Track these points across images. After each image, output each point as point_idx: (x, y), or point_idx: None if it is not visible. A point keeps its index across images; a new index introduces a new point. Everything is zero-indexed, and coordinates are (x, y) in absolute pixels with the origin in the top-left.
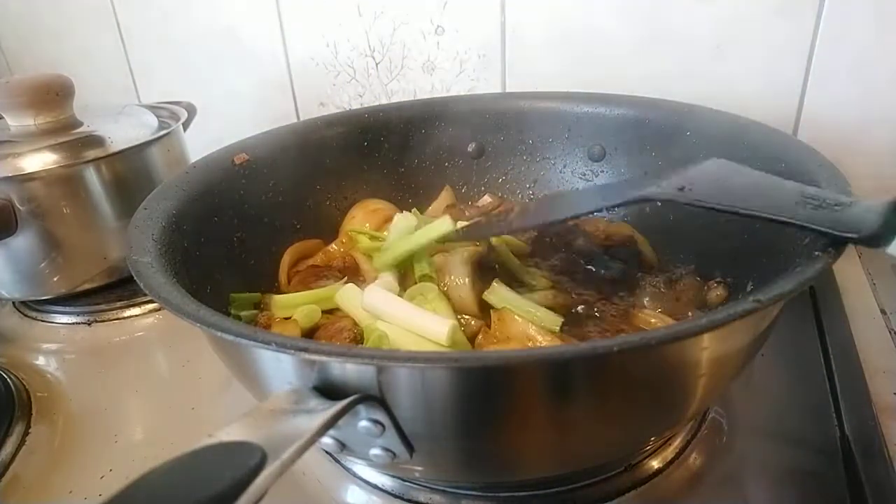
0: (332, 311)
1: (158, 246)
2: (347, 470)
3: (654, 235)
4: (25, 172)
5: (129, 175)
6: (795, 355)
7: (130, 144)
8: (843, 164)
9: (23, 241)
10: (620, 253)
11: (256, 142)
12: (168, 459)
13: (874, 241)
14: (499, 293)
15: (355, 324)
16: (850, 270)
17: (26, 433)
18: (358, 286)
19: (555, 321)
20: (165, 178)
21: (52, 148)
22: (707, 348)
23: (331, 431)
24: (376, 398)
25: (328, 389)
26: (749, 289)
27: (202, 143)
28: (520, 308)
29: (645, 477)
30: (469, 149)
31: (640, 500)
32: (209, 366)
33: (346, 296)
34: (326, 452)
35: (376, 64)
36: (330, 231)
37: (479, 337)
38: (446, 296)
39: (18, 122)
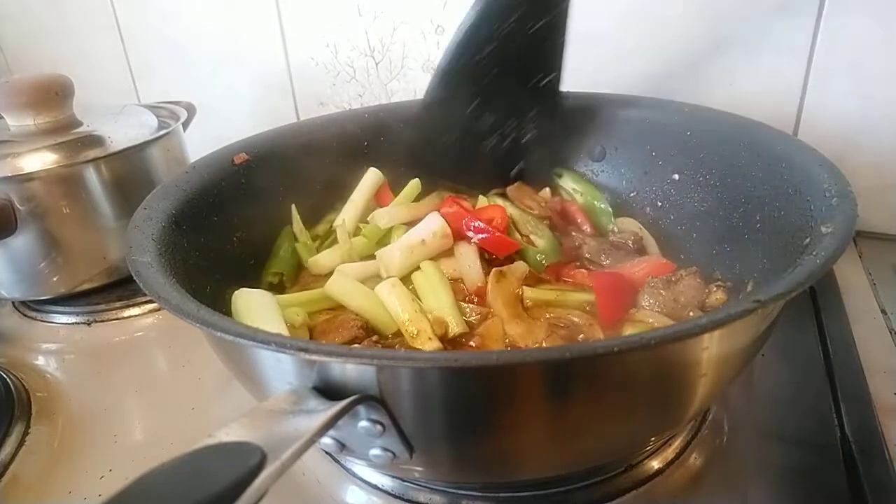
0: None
1: (158, 246)
2: (347, 470)
3: (655, 237)
4: (25, 172)
5: (129, 175)
6: (796, 355)
7: (130, 144)
8: (843, 162)
9: (22, 241)
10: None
11: (256, 142)
12: (168, 460)
13: None
14: None
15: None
16: (850, 271)
17: (26, 433)
18: None
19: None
20: (165, 177)
21: (52, 148)
22: (707, 348)
23: (331, 432)
24: (376, 398)
25: (328, 389)
26: (749, 289)
27: (202, 142)
28: None
29: (645, 477)
30: None
31: (641, 500)
32: (209, 366)
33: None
34: (326, 453)
35: (376, 64)
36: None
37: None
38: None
39: (18, 121)
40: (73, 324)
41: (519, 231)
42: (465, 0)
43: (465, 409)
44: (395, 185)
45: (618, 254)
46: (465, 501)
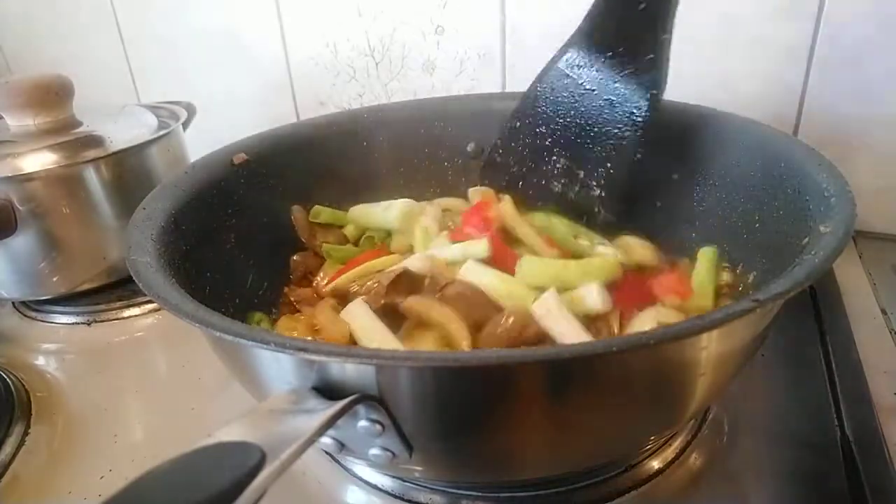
0: None
1: (157, 246)
2: (347, 470)
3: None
4: (25, 172)
5: (129, 175)
6: (796, 355)
7: (130, 144)
8: (843, 163)
9: (22, 241)
10: None
11: (256, 142)
12: (167, 459)
13: None
14: None
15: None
16: (850, 270)
17: (26, 433)
18: None
19: None
20: (165, 178)
21: (52, 148)
22: (706, 348)
23: (330, 431)
24: (375, 398)
25: (327, 389)
26: (749, 288)
27: (202, 143)
28: None
29: (645, 477)
30: (469, 148)
31: (641, 500)
32: (209, 366)
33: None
34: (326, 453)
35: (376, 64)
36: None
37: None
38: None
39: (18, 122)
40: (73, 324)
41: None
42: (465, 0)
43: (465, 408)
44: (395, 186)
45: None
46: (464, 501)
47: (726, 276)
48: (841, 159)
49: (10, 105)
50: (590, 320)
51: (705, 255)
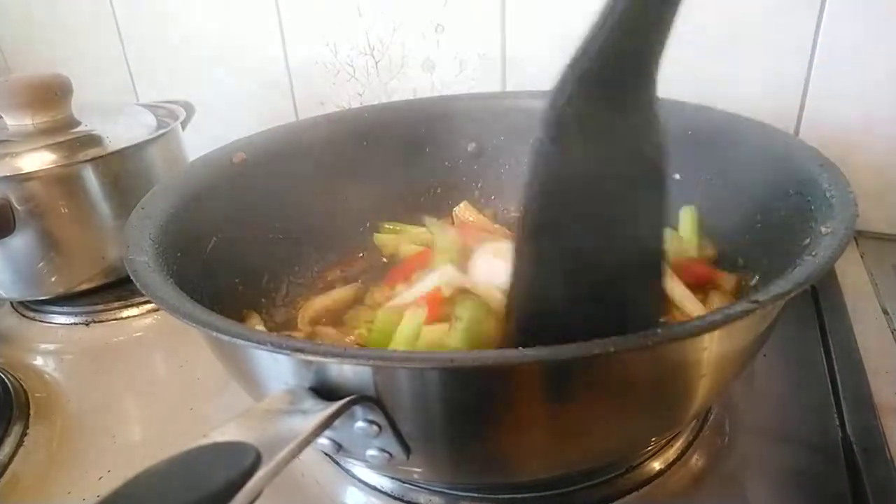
0: None
1: (155, 245)
2: (346, 471)
3: None
4: (23, 172)
5: (128, 174)
6: (797, 356)
7: (129, 144)
8: (845, 163)
9: (21, 241)
10: None
11: (255, 141)
12: (161, 459)
13: None
14: None
15: None
16: (852, 270)
17: (24, 434)
18: None
19: None
20: (163, 177)
21: (51, 147)
22: (707, 349)
23: (327, 432)
24: (372, 399)
25: (324, 390)
26: (753, 287)
27: (200, 142)
28: None
29: (647, 478)
30: (469, 148)
31: (642, 501)
32: (207, 366)
33: None
34: (325, 453)
35: (376, 63)
36: (330, 231)
37: None
38: None
39: (16, 121)
40: (71, 324)
41: None
42: (465, 0)
43: (462, 409)
44: (394, 185)
45: None
46: (464, 503)
47: (710, 251)
48: (842, 159)
49: (9, 104)
50: None
51: (687, 213)
